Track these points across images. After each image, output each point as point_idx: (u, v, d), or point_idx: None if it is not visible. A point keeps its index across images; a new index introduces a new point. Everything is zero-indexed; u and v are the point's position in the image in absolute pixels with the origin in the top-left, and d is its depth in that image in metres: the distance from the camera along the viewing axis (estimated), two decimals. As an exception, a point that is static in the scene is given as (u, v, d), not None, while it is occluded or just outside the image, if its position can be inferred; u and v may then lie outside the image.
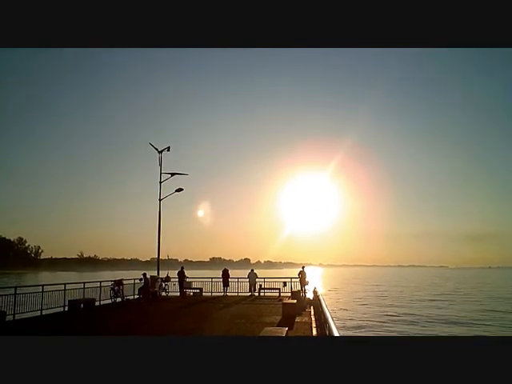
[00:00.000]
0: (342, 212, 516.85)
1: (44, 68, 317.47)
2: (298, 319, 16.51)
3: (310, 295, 25.07)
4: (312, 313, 18.27)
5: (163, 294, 28.75)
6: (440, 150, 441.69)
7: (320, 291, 18.38)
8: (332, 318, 7.70)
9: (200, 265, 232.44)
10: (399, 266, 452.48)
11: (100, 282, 24.06)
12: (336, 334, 5.70)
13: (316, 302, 17.62)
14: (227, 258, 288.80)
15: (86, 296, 21.74)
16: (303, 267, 28.79)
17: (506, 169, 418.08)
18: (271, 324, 14.42)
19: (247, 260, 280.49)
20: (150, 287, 26.59)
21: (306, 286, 27.59)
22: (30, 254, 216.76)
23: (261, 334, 9.54)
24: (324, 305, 10.79)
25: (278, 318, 16.75)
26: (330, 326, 6.71)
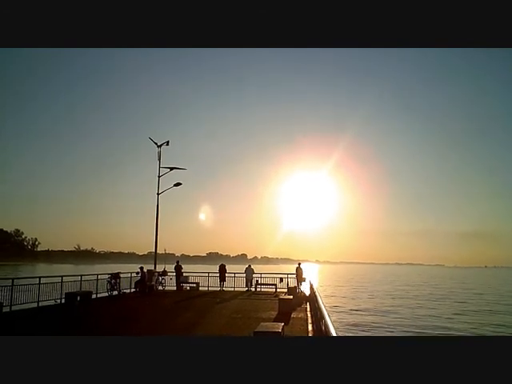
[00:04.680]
0: (340, 209, 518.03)
1: (44, 66, 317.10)
2: (293, 315, 16.59)
3: (306, 291, 25.16)
4: (308, 309, 18.35)
5: (160, 287, 28.80)
6: (440, 148, 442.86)
7: (315, 287, 18.42)
8: (328, 314, 7.74)
9: (197, 259, 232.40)
10: (396, 263, 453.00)
11: (97, 274, 24.08)
12: (332, 330, 5.73)
13: (312, 298, 17.68)
14: (224, 254, 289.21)
15: (83, 289, 21.77)
16: (300, 263, 28.89)
17: (506, 168, 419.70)
18: (267, 319, 14.49)
19: (244, 255, 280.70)
20: (146, 281, 26.63)
21: (303, 283, 27.70)
22: (26, 245, 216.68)
23: (257, 329, 9.59)
24: (320, 301, 10.83)
25: (274, 313, 16.83)
26: (326, 323, 6.75)
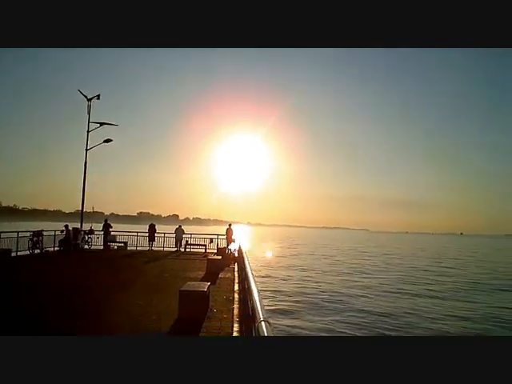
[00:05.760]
0: (274, 173, 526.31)
1: None
2: (221, 275, 16.79)
3: (235, 252, 25.50)
4: (236, 269, 18.63)
5: (86, 246, 28.03)
6: (377, 118, 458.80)
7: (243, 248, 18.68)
8: (252, 274, 7.88)
9: (127, 219, 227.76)
10: (324, 227, 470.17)
11: (18, 232, 22.96)
12: (254, 288, 5.84)
13: (240, 258, 17.96)
14: (155, 214, 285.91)
15: (2, 246, 20.74)
16: (230, 225, 29.14)
17: (432, 142, 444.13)
18: (195, 279, 14.54)
19: (176, 216, 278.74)
20: (71, 239, 25.80)
21: (232, 244, 28.03)
22: None
23: (183, 288, 9.61)
24: (246, 262, 11.00)
25: (202, 273, 16.94)
26: (249, 283, 6.87)
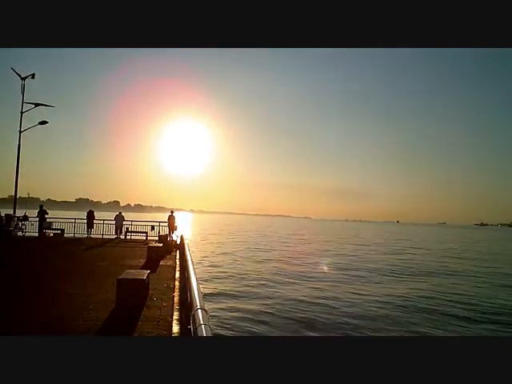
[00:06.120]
0: (217, 160, 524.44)
1: None
2: (162, 262, 16.64)
3: (177, 240, 25.30)
4: (177, 257, 18.50)
5: (19, 233, 26.83)
6: (321, 108, 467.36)
7: (186, 236, 18.59)
8: (192, 262, 7.89)
9: (65, 205, 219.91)
10: (266, 215, 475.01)
11: None
12: (192, 276, 5.86)
13: (182, 246, 17.86)
14: (95, 200, 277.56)
15: None
16: (172, 212, 28.85)
17: (374, 135, 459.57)
18: (135, 267, 14.32)
19: (116, 202, 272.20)
20: (4, 226, 24.60)
21: (175, 231, 27.77)
22: None
23: (121, 277, 9.45)
24: (187, 249, 10.97)
25: (143, 261, 16.70)
26: (188, 271, 6.87)
